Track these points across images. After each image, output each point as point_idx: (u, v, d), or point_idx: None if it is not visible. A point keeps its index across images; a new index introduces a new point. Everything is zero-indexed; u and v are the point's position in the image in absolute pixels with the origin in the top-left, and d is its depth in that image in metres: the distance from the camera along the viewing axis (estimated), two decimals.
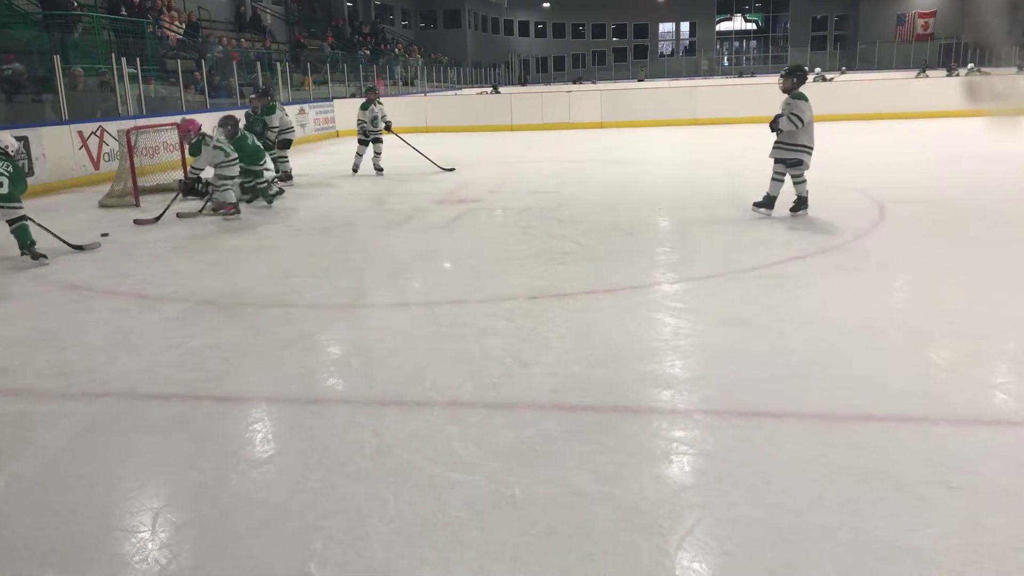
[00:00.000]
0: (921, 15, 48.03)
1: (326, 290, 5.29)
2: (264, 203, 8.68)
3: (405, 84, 29.30)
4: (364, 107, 10.86)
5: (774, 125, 6.81)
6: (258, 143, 8.92)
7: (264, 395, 3.57)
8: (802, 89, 6.80)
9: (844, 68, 38.04)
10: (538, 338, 4.10)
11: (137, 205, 8.80)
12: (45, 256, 6.17)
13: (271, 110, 10.33)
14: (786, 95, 6.81)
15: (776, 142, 6.90)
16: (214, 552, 2.35)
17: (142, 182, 9.37)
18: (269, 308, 4.87)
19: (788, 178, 6.92)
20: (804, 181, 6.93)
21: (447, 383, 3.54)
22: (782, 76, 6.92)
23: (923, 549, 2.23)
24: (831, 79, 24.98)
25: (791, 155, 6.81)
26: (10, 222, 6.10)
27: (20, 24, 13.96)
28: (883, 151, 12.30)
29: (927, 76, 26.34)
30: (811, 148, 6.79)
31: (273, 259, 6.34)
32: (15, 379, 3.82)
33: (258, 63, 17.17)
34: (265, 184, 8.77)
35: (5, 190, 5.96)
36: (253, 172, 8.65)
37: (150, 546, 2.38)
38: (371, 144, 10.94)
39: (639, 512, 2.47)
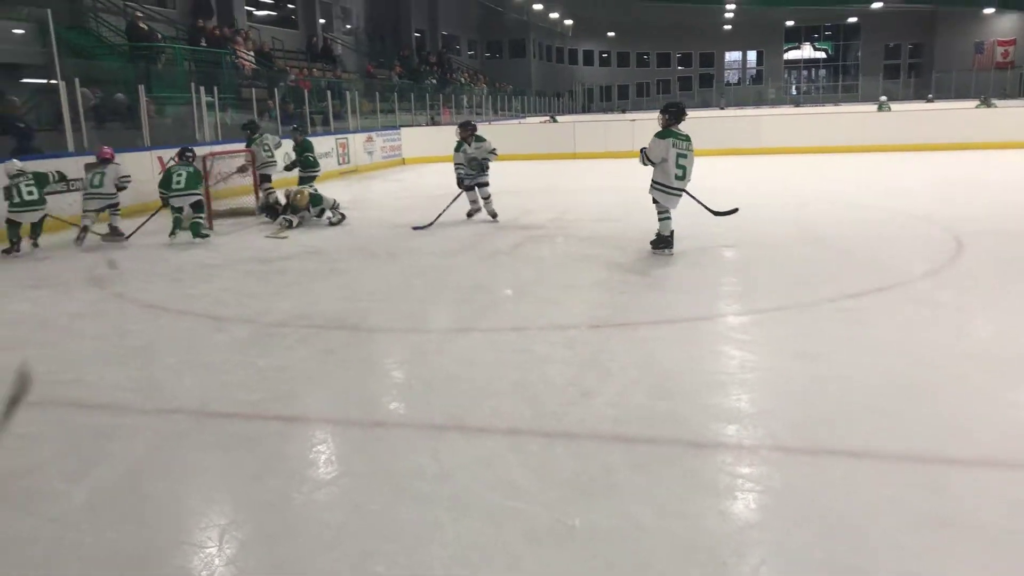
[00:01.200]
0: (1000, 43, 46.50)
1: (390, 314, 5.37)
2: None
3: (470, 112, 29.73)
4: (457, 149, 9.21)
5: (640, 157, 6.82)
6: (173, 178, 8.49)
7: (328, 417, 3.63)
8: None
9: (931, 96, 37.00)
10: (600, 368, 4.06)
11: (211, 228, 9.11)
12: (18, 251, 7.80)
13: (252, 143, 10.62)
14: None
15: None
16: (278, 571, 2.38)
17: (216, 206, 9.73)
18: (334, 331, 4.96)
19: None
20: (667, 219, 6.82)
21: (508, 410, 3.53)
22: (660, 112, 6.89)
23: None
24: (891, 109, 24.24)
25: (651, 192, 6.81)
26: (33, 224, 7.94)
27: (108, 56, 14.76)
28: (962, 181, 11.86)
29: None
30: (666, 187, 6.66)
31: (340, 283, 6.46)
32: (96, 393, 3.98)
33: (328, 92, 17.69)
34: (174, 227, 8.40)
35: (35, 196, 7.81)
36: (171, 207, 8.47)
37: (216, 562, 2.43)
38: (476, 189, 9.28)
39: (701, 548, 2.41)
